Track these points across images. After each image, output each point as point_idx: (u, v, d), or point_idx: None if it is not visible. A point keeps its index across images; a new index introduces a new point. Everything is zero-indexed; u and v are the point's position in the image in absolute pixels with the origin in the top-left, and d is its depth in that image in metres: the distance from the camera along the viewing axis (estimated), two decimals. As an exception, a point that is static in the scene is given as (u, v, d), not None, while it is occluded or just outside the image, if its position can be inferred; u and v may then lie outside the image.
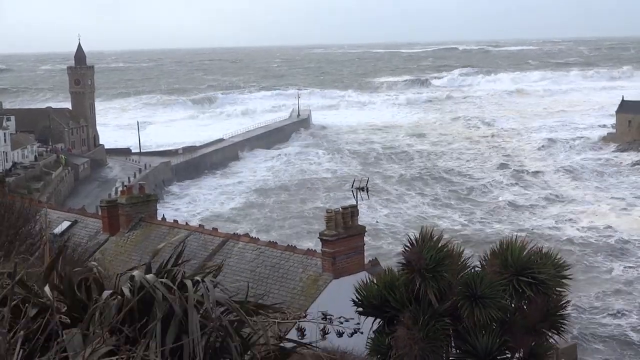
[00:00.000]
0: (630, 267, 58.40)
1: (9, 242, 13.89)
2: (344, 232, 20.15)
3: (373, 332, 11.81)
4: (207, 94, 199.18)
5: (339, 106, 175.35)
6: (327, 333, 4.66)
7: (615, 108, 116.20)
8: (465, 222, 73.04)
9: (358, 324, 4.76)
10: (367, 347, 11.75)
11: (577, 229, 68.89)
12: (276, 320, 3.88)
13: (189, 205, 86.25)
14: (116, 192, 67.31)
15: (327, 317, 4.60)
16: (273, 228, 72.22)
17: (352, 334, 4.75)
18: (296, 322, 4.25)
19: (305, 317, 4.38)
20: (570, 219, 72.79)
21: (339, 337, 4.80)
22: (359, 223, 21.13)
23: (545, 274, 11.42)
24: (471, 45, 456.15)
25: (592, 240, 65.36)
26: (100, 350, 3.25)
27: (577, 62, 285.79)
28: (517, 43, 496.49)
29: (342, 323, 4.67)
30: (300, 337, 4.70)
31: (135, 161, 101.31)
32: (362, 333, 5.04)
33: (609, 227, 69.08)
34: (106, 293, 3.72)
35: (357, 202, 21.34)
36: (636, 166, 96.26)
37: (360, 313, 12.03)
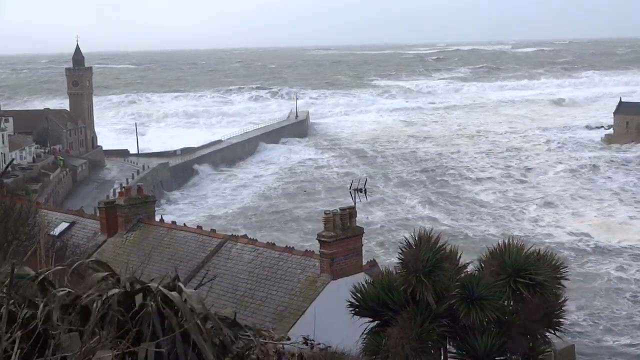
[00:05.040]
0: (619, 268, 58.37)
1: (7, 243, 13.90)
2: (342, 233, 20.13)
3: (367, 332, 11.81)
4: (206, 94, 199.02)
5: (338, 108, 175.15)
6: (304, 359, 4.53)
7: (613, 109, 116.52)
8: (461, 224, 73.08)
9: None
10: (362, 346, 11.74)
11: (570, 232, 68.80)
12: (260, 341, 3.75)
13: (187, 206, 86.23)
14: (114, 194, 67.24)
15: (309, 341, 4.33)
16: (272, 229, 72.16)
17: None
18: (277, 345, 4.05)
19: (288, 339, 4.12)
20: (566, 220, 72.82)
21: None
22: (358, 224, 21.12)
23: (543, 275, 11.43)
24: (481, 46, 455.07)
25: (588, 241, 65.38)
26: (101, 349, 3.24)
27: (577, 63, 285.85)
28: (522, 45, 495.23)
29: (322, 350, 4.49)
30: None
31: (134, 162, 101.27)
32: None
33: (602, 228, 69.17)
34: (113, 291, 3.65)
35: (355, 203, 21.35)
36: (634, 166, 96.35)
37: (356, 314, 12.03)
